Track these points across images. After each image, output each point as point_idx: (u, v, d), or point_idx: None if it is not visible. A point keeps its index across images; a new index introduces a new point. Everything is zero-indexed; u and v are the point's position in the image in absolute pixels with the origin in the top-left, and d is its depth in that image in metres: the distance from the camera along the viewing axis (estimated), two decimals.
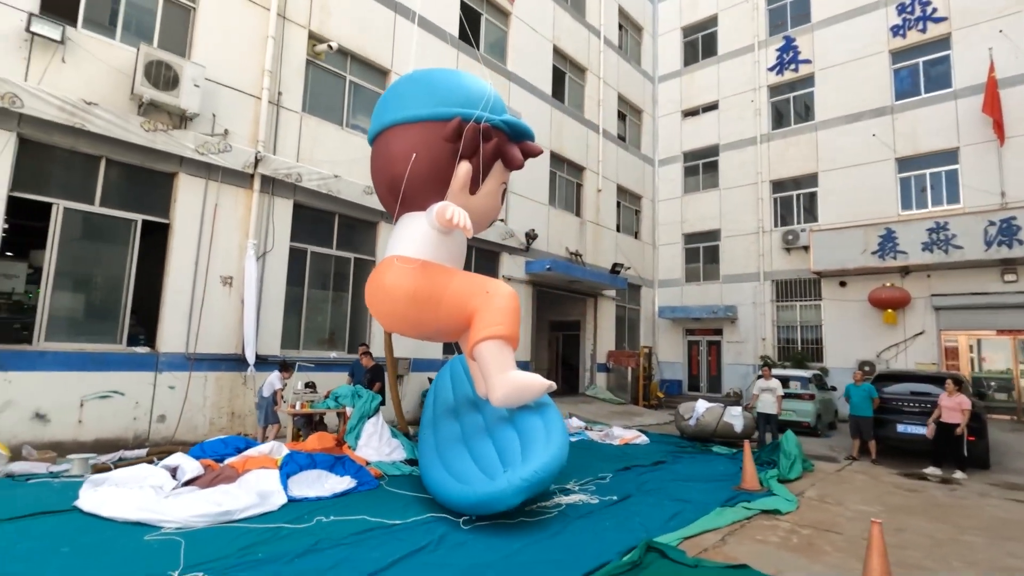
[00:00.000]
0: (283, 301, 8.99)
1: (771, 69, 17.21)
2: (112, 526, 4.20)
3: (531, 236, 13.55)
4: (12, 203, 6.63)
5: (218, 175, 8.24)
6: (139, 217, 7.63)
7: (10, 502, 4.65)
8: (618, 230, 17.49)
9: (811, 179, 16.14)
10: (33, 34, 6.63)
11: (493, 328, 5.96)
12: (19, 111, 6.47)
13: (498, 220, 12.85)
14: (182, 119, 7.83)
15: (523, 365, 12.71)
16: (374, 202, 9.77)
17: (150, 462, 5.98)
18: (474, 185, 6.70)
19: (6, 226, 6.62)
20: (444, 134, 6.39)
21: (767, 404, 9.17)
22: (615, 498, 5.65)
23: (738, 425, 9.27)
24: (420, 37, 11.44)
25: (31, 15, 6.62)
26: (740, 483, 6.38)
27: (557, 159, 15.17)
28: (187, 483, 5.14)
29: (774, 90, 17.32)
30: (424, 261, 6.46)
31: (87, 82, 7.09)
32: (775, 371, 12.64)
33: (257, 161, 8.54)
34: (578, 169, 16.02)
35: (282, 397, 7.33)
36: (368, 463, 6.45)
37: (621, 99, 18.15)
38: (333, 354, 9.66)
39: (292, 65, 9.34)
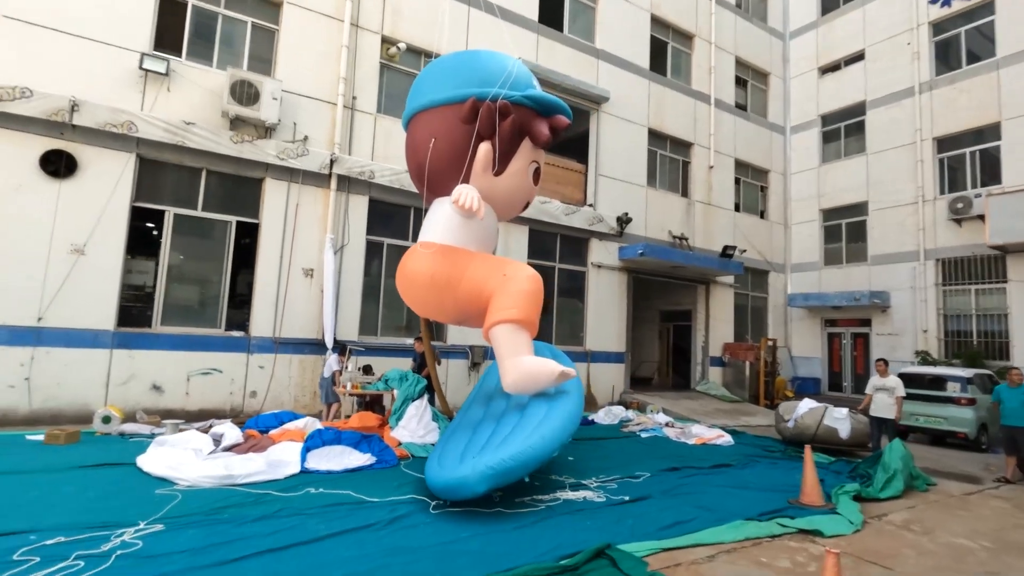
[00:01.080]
0: (360, 291, 9.68)
1: (934, 1, 14.05)
2: (143, 479, 4.90)
3: (624, 220, 12.82)
4: (135, 212, 8.07)
5: (299, 177, 9.13)
6: (234, 219, 8.79)
7: (95, 453, 5.67)
8: (737, 209, 15.74)
9: (990, 131, 12.88)
10: (146, 70, 7.99)
11: (506, 311, 5.76)
12: (136, 135, 7.84)
13: (586, 205, 12.40)
14: (266, 130, 8.82)
15: (617, 357, 12.17)
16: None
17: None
18: (497, 166, 6.51)
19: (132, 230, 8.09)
20: (460, 116, 6.31)
21: (882, 407, 7.56)
22: (626, 498, 5.11)
23: (843, 430, 7.79)
24: (496, 26, 11.45)
25: (143, 54, 7.98)
26: (799, 496, 5.34)
27: (657, 136, 14.12)
28: (227, 449, 5.81)
29: (938, 27, 14.13)
30: (443, 245, 6.45)
31: (188, 105, 8.33)
32: (927, 368, 10.46)
33: (332, 162, 9.29)
34: (684, 145, 14.75)
35: (340, 378, 7.90)
36: (400, 444, 6.67)
37: (740, 63, 16.27)
38: (410, 340, 10.15)
39: (365, 70, 9.98)
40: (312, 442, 5.88)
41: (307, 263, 9.16)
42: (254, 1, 9.16)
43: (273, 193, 8.97)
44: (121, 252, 7.87)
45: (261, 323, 8.76)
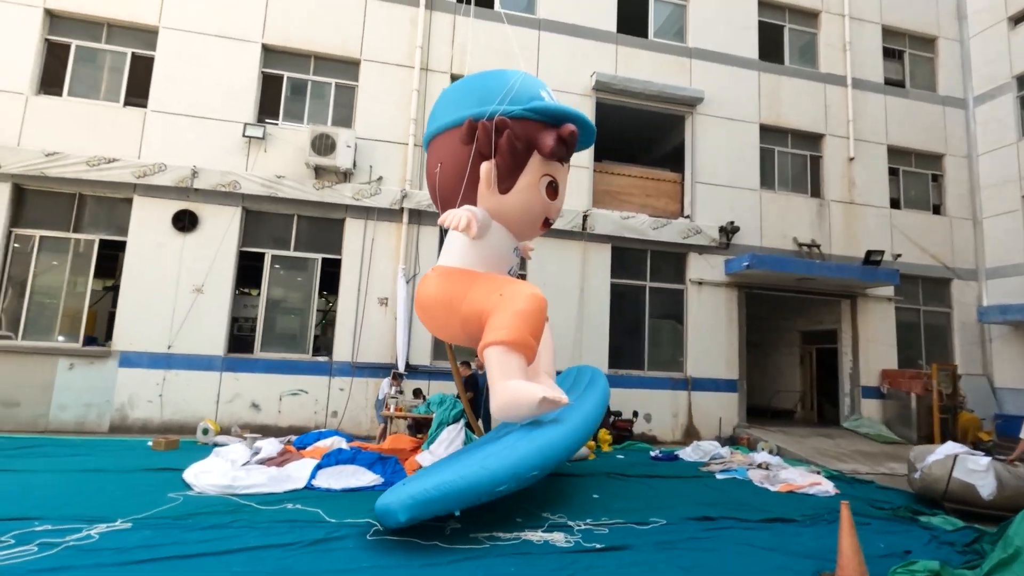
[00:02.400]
0: None
1: None
2: (174, 484, 5.67)
3: (729, 230, 11.41)
4: (241, 255, 9.57)
5: (374, 215, 9.96)
6: (320, 256, 9.89)
7: (173, 459, 6.72)
8: (895, 206, 12.91)
9: None
10: (248, 137, 9.55)
11: (496, 333, 5.55)
12: (240, 192, 9.37)
13: (683, 217, 11.35)
14: (343, 174, 9.84)
15: (727, 386, 10.81)
16: None
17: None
18: (503, 183, 6.35)
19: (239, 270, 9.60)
20: (460, 138, 6.33)
21: None
22: (598, 546, 4.41)
23: (985, 486, 5.75)
24: (570, 44, 11.31)
25: (246, 124, 9.55)
26: (834, 570, 4.06)
27: (772, 132, 12.38)
28: (261, 462, 6.44)
29: None
30: (449, 268, 6.47)
31: (281, 160, 9.71)
32: None
33: (403, 197, 9.96)
34: (811, 138, 12.67)
35: (389, 401, 8.26)
36: (422, 467, 6.70)
37: (890, 32, 13.55)
38: (473, 365, 10.21)
39: None
40: (326, 460, 6.23)
41: (382, 292, 9.86)
42: (336, 64, 10.39)
43: (352, 231, 9.91)
44: (230, 289, 9.36)
45: (341, 349, 9.62)
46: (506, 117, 6.15)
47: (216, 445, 7.79)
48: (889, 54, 13.55)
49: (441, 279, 6.38)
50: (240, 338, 9.60)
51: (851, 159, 12.63)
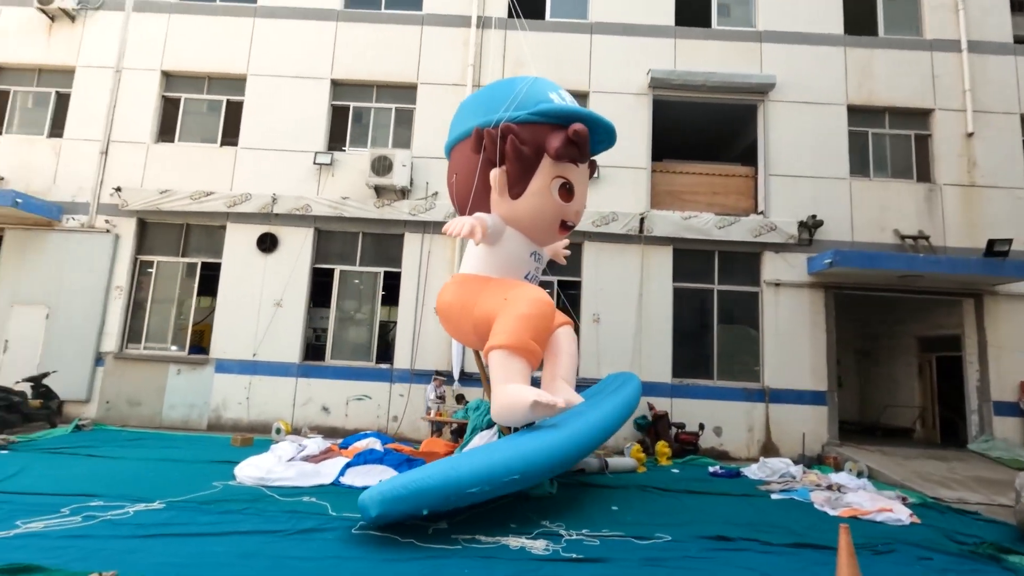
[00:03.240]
0: None
1: None
2: (227, 474, 6.36)
3: (810, 224, 10.32)
4: (314, 271, 10.52)
5: (430, 228, 10.43)
6: (382, 269, 10.56)
7: (241, 453, 7.55)
8: None
9: None
10: (319, 164, 10.52)
11: (498, 336, 5.63)
12: (312, 214, 10.34)
13: (756, 213, 10.50)
14: (401, 192, 10.44)
15: (813, 398, 9.84)
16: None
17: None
18: (513, 188, 6.39)
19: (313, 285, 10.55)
20: (470, 147, 6.50)
21: None
22: (575, 556, 4.23)
23: None
24: (624, 44, 11.05)
25: (316, 152, 10.54)
26: None
27: (863, 113, 11.00)
28: (304, 459, 7.00)
29: None
30: (464, 275, 6.62)
31: (347, 183, 10.55)
32: None
33: (455, 210, 10.31)
34: (915, 115, 11.05)
35: (431, 406, 8.53)
36: None
37: None
38: (538, 372, 10.17)
39: None
40: (356, 459, 6.62)
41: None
42: (396, 90, 11.10)
43: (410, 244, 10.46)
44: (305, 303, 10.32)
45: (401, 356, 10.14)
46: (512, 123, 6.21)
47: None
48: (1018, 7, 11.46)
49: (456, 286, 6.56)
50: (314, 347, 10.52)
51: (969, 135, 10.80)
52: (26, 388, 9.05)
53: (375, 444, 7.35)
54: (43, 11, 10.90)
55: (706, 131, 12.71)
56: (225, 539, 4.22)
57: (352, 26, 11.12)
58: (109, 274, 10.30)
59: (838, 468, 8.73)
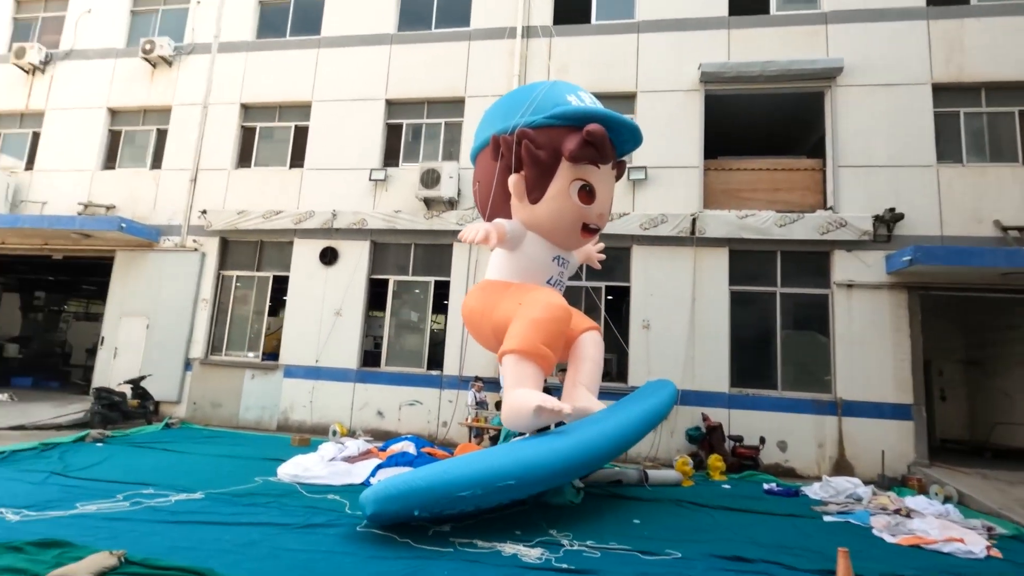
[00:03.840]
0: None
1: None
2: (272, 471, 6.83)
3: (888, 219, 9.31)
4: (370, 282, 11.06)
5: None
6: (432, 279, 10.89)
7: (296, 452, 8.09)
8: None
9: None
10: (374, 180, 11.10)
11: (510, 341, 5.68)
12: (368, 228, 10.92)
13: (826, 208, 9.69)
14: (449, 204, 10.74)
15: (895, 411, 8.97)
16: (619, 228, 9.83)
17: None
18: (532, 193, 6.38)
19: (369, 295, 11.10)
20: (490, 154, 6.58)
21: None
22: (565, 567, 4.09)
23: None
24: (673, 40, 10.69)
25: (372, 169, 11.13)
26: None
27: (953, 91, 9.79)
28: (345, 459, 7.35)
29: None
30: (488, 280, 6.68)
31: (399, 197, 11.03)
32: None
33: None
34: (1014, 89, 9.65)
35: (469, 411, 8.61)
36: None
37: None
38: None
39: None
40: (387, 461, 6.86)
41: None
42: (445, 105, 11.47)
43: (458, 254, 10.70)
44: (362, 311, 10.88)
45: (450, 363, 10.37)
46: (528, 127, 6.22)
47: (340, 443, 9.08)
48: None
49: (479, 291, 6.63)
50: (372, 354, 11.04)
51: None
52: (127, 389, 10.29)
53: (409, 447, 7.56)
54: (146, 60, 12.47)
55: (765, 125, 11.92)
56: (238, 528, 4.54)
57: (404, 47, 11.67)
58: (196, 288, 11.48)
59: (922, 491, 7.74)
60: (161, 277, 11.63)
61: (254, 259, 11.70)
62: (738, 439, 9.01)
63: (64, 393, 12.87)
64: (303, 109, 11.99)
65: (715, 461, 8.43)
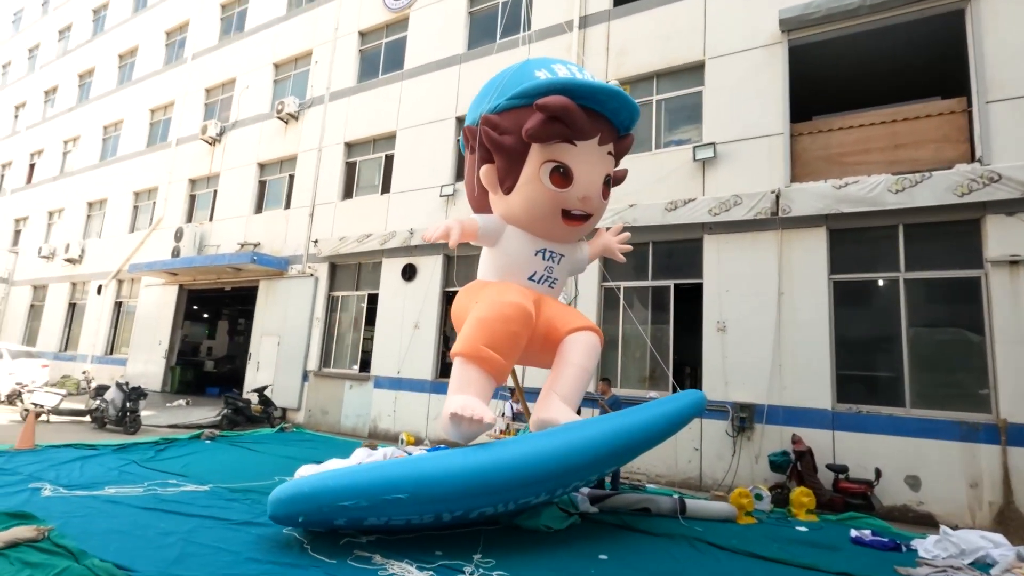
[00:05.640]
0: None
1: None
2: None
3: None
4: (444, 295, 11.32)
5: None
6: None
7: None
8: None
9: None
10: (445, 196, 11.43)
11: (456, 344, 5.32)
12: (439, 242, 11.24)
13: (974, 161, 7.31)
14: None
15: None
16: (684, 216, 8.67)
17: None
18: (504, 183, 5.92)
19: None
20: (468, 150, 6.30)
21: None
22: None
23: None
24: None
25: (442, 186, 11.47)
26: None
27: None
28: None
29: None
30: (476, 280, 6.34)
31: (466, 209, 11.13)
32: None
33: None
34: None
35: (499, 421, 8.12)
36: None
37: None
38: (652, 393, 8.79)
39: None
40: None
41: None
42: None
43: None
44: (437, 324, 11.18)
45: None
46: (491, 113, 5.81)
47: (408, 453, 9.38)
48: None
49: (462, 292, 6.32)
50: (448, 365, 11.22)
51: None
52: (253, 396, 12.04)
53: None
54: (280, 118, 14.77)
55: (869, 71, 9.36)
56: (186, 519, 4.91)
57: (472, 64, 11.91)
58: (311, 308, 13.03)
59: None
60: (288, 300, 13.46)
61: (354, 280, 12.87)
62: (841, 469, 7.02)
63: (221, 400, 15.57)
64: (390, 139, 12.94)
65: (800, 496, 6.66)
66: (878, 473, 6.84)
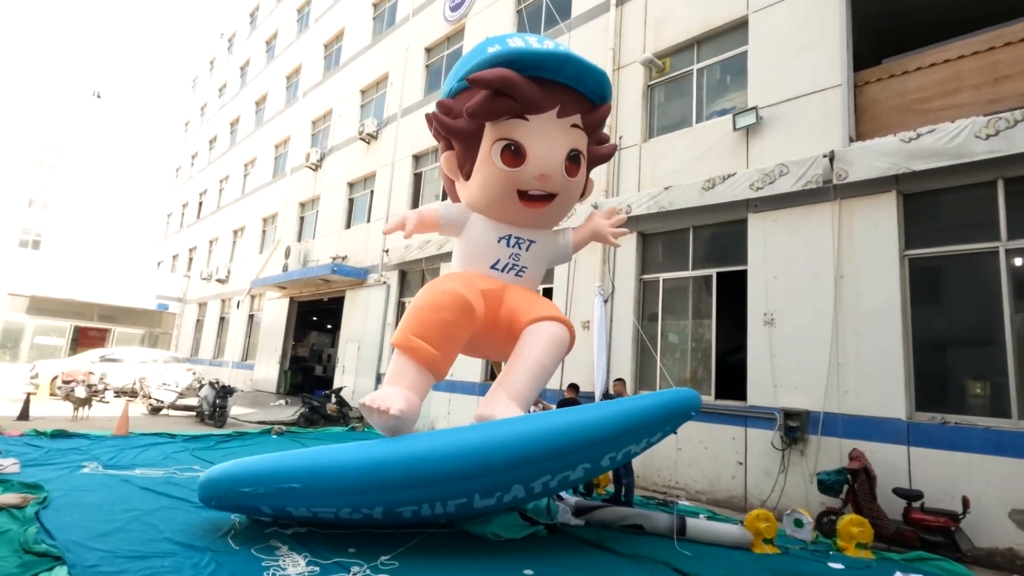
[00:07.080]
0: (631, 339, 8.54)
1: None
2: None
3: None
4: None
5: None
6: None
7: None
8: None
9: None
10: None
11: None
12: None
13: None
14: None
15: None
16: (722, 195, 7.66)
17: None
18: (463, 169, 5.67)
19: None
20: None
21: None
22: None
23: None
24: None
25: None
26: None
27: None
28: None
29: None
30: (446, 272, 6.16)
31: None
32: None
33: (594, 208, 9.22)
34: None
35: None
36: None
37: None
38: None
39: (629, 105, 9.38)
40: None
41: (584, 316, 9.24)
42: None
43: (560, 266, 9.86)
44: None
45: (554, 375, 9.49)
46: (446, 97, 5.63)
47: None
48: None
49: (426, 286, 6.13)
50: (493, 368, 11.02)
51: None
52: (332, 397, 12.93)
53: None
54: (362, 139, 15.90)
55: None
56: (161, 499, 5.33)
57: None
58: (384, 314, 13.70)
59: None
60: (367, 308, 14.31)
61: (419, 286, 13.26)
62: (914, 496, 5.50)
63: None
64: None
65: (848, 525, 5.33)
66: (966, 503, 5.22)
